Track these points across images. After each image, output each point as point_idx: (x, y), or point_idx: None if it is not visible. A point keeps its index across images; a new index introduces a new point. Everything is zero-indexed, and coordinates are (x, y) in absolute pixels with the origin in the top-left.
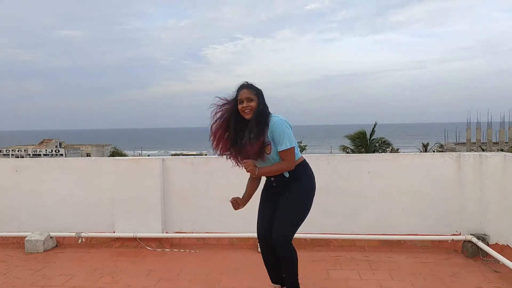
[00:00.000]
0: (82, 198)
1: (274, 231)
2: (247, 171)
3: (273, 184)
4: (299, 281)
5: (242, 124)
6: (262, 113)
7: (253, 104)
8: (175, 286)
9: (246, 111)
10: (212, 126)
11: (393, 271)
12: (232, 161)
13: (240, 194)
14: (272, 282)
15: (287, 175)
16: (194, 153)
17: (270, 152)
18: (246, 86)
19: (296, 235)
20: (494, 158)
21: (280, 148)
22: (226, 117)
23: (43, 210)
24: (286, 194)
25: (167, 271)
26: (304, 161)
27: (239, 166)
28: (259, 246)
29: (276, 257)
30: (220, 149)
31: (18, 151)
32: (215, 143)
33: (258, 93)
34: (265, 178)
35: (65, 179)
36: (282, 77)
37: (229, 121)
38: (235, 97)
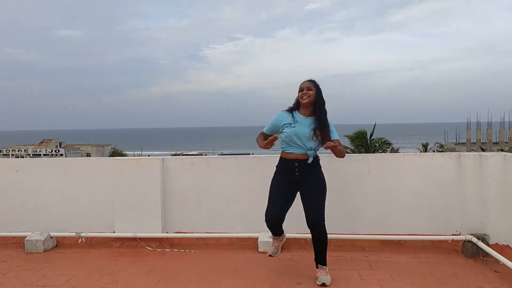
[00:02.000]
0: (82, 198)
1: (315, 215)
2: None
3: (296, 170)
4: (297, 281)
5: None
6: (321, 102)
7: (311, 92)
8: (175, 286)
9: (304, 97)
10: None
11: (393, 271)
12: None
13: (240, 193)
14: (274, 234)
15: (310, 160)
16: (194, 153)
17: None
18: (309, 80)
19: (295, 235)
20: (494, 158)
21: (336, 137)
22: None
23: (43, 210)
24: (314, 186)
25: (167, 271)
26: (318, 157)
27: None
28: (266, 223)
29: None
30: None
31: (18, 151)
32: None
33: (317, 87)
34: (282, 162)
35: (65, 179)
36: (282, 77)
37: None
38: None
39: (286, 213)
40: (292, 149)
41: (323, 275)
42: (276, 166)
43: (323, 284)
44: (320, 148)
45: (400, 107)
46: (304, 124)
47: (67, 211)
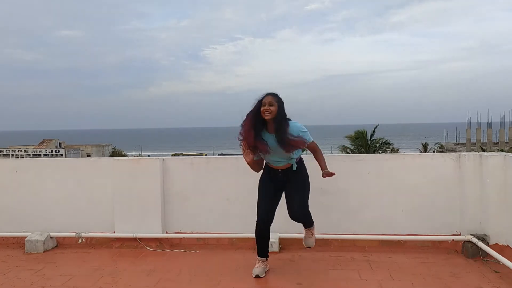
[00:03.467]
0: (82, 198)
1: (297, 210)
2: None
3: (279, 175)
4: (297, 281)
5: (260, 123)
6: (281, 117)
7: (273, 108)
8: (175, 286)
9: (266, 113)
10: (243, 123)
11: (393, 271)
12: (246, 149)
13: (239, 193)
14: (259, 255)
15: (294, 168)
16: (194, 153)
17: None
18: (271, 94)
19: (296, 235)
20: (494, 158)
21: (309, 138)
22: (250, 116)
23: (43, 210)
24: (295, 185)
25: (167, 271)
26: (302, 158)
27: (248, 155)
28: (257, 224)
29: (268, 233)
30: (247, 140)
31: (18, 151)
32: (244, 135)
33: (279, 102)
34: (268, 169)
35: (65, 179)
36: (282, 77)
37: (251, 119)
38: (260, 100)
39: (274, 212)
40: (275, 164)
41: (309, 238)
42: (263, 169)
43: (309, 247)
44: (300, 152)
45: (400, 107)
46: (273, 144)
47: (67, 211)
